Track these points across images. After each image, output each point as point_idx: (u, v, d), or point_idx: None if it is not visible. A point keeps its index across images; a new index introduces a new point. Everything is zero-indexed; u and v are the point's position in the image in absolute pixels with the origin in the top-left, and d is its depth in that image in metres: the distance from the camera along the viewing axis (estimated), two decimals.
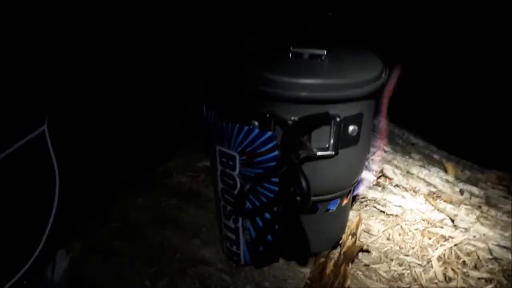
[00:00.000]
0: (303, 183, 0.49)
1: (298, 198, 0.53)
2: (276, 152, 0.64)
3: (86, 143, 1.01)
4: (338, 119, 0.63)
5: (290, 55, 0.69)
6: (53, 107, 0.90)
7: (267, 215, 0.71)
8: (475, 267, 0.84)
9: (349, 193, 0.78)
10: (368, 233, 0.92)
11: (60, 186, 0.83)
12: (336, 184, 0.72)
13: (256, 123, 0.67)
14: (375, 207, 0.99)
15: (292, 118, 0.62)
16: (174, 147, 1.17)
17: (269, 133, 0.63)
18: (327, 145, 0.66)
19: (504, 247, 0.88)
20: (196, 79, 0.85)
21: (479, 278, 0.82)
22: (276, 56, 0.69)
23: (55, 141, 0.88)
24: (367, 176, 1.07)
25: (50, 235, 0.78)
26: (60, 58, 0.92)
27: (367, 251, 0.87)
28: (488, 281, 0.81)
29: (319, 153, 0.65)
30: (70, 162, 0.89)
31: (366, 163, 1.10)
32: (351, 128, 0.65)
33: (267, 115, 0.65)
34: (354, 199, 1.00)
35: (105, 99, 1.09)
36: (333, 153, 0.66)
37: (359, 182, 0.86)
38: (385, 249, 0.88)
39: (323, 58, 0.67)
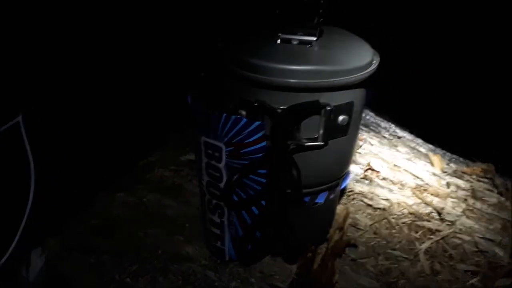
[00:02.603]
0: (295, 174, 0.46)
1: (289, 190, 0.50)
2: (265, 143, 0.61)
3: (66, 138, 0.96)
4: (328, 108, 0.60)
5: (279, 41, 0.66)
6: (31, 101, 0.86)
7: (255, 210, 0.68)
8: (461, 260, 0.83)
9: (337, 186, 0.76)
10: (355, 227, 0.91)
11: (36, 181, 0.79)
12: (325, 176, 0.70)
13: (244, 112, 0.65)
14: (362, 200, 0.98)
15: (282, 106, 0.60)
16: (156, 140, 1.13)
17: (257, 123, 0.60)
18: (316, 136, 0.63)
19: (490, 239, 0.88)
20: (182, 69, 0.82)
21: (465, 271, 0.81)
22: (264, 42, 0.66)
23: (32, 134, 0.83)
24: (354, 169, 1.06)
25: (24, 232, 0.74)
26: (39, 50, 0.88)
27: (355, 245, 0.86)
28: (474, 273, 0.81)
29: (308, 144, 0.63)
30: (49, 156, 0.85)
31: (354, 156, 1.09)
32: (341, 118, 0.63)
33: (255, 104, 0.62)
34: (341, 192, 0.98)
35: (85, 93, 1.04)
36: (322, 143, 0.63)
37: (346, 175, 0.84)
38: (372, 243, 0.87)
39: (312, 44, 0.65)
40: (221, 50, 0.66)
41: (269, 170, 0.58)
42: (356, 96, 0.63)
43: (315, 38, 0.66)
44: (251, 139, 0.62)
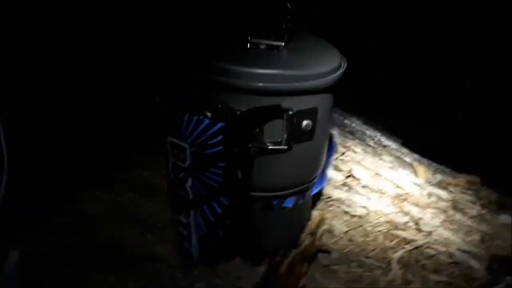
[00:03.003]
0: (239, 176, 0.47)
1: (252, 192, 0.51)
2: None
3: (44, 134, 0.98)
4: (290, 113, 0.60)
5: (248, 45, 0.67)
6: (9, 99, 0.87)
7: (218, 209, 0.68)
8: (435, 271, 0.82)
9: (306, 190, 0.76)
10: (330, 233, 0.90)
11: (8, 176, 0.80)
12: (291, 180, 0.70)
13: (209, 114, 0.65)
14: (339, 207, 0.97)
15: (244, 109, 0.60)
16: (138, 140, 1.14)
17: (219, 125, 0.61)
18: (280, 139, 0.64)
19: (465, 251, 0.87)
20: (154, 70, 0.83)
21: (438, 282, 0.80)
22: (231, 46, 0.66)
23: (7, 130, 0.84)
24: (334, 176, 1.05)
25: None
26: (19, 52, 0.89)
27: (328, 251, 0.85)
28: (447, 284, 0.80)
29: (271, 147, 0.63)
30: (24, 153, 0.86)
31: (334, 162, 1.09)
32: (305, 122, 0.63)
33: (219, 106, 0.63)
34: (318, 198, 0.98)
35: (65, 93, 1.05)
36: (285, 147, 0.63)
37: (321, 181, 0.84)
38: (346, 250, 0.86)
39: (280, 49, 0.65)
40: (188, 53, 0.67)
41: (225, 170, 0.59)
42: (320, 101, 0.63)
43: (283, 43, 0.66)
44: (213, 141, 0.62)
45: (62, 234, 0.83)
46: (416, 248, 0.86)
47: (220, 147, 0.62)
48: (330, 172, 1.02)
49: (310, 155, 0.69)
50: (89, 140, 1.05)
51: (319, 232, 0.86)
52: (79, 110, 1.05)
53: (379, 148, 1.20)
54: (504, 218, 0.96)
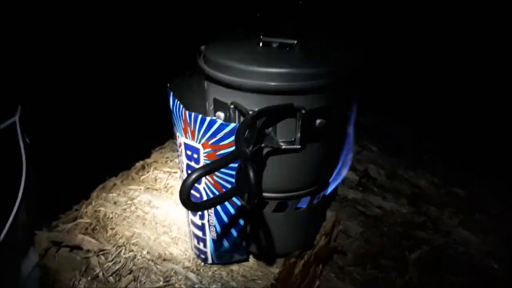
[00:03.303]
0: (251, 177, 0.46)
1: (246, 194, 0.50)
2: None
3: (61, 137, 0.99)
4: (303, 112, 0.60)
5: (260, 44, 0.66)
6: (29, 100, 0.89)
7: (231, 210, 0.68)
8: (452, 272, 0.80)
9: (321, 191, 0.75)
10: (345, 234, 0.89)
11: (26, 180, 0.81)
12: (305, 180, 0.69)
13: (222, 114, 0.65)
14: (355, 207, 0.96)
15: (256, 109, 0.59)
16: (155, 142, 1.15)
17: (232, 125, 0.60)
18: (293, 139, 0.63)
19: (485, 252, 0.84)
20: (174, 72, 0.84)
21: (455, 283, 0.78)
22: (244, 45, 0.66)
23: (26, 133, 0.86)
24: (349, 176, 1.04)
25: (10, 230, 0.76)
26: (36, 53, 0.91)
27: (343, 252, 0.84)
28: (465, 286, 0.78)
29: (284, 146, 0.62)
30: (42, 155, 0.88)
31: (350, 162, 1.07)
32: (318, 121, 0.62)
33: (232, 106, 0.62)
34: (333, 199, 0.97)
35: (83, 94, 1.07)
36: (299, 146, 0.63)
37: (337, 181, 0.83)
38: (362, 251, 0.85)
39: (292, 47, 0.65)
40: (202, 52, 0.67)
41: (238, 170, 0.58)
42: (334, 99, 0.62)
43: (295, 41, 0.65)
44: (226, 141, 0.62)
45: (78, 235, 0.84)
46: (434, 248, 0.85)
47: (233, 148, 0.62)
48: (346, 172, 1.01)
49: (325, 154, 0.68)
50: (106, 141, 1.07)
51: (334, 233, 0.85)
52: (95, 112, 1.06)
53: (395, 146, 1.18)
54: None
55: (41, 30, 0.89)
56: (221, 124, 0.61)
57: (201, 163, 0.66)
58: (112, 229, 0.86)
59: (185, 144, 0.68)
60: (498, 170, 1.07)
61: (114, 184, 0.98)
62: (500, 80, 1.18)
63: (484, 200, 0.99)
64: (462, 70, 1.27)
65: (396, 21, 1.28)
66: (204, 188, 0.68)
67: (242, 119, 0.62)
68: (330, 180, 0.77)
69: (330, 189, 0.79)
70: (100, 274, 0.77)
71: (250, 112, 0.58)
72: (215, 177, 0.65)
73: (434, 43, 1.28)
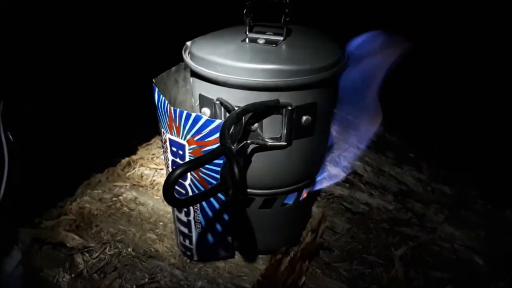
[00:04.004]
0: (236, 173, 0.46)
1: (231, 190, 0.50)
2: None
3: (48, 133, 0.98)
4: (289, 108, 0.59)
5: (246, 41, 0.66)
6: (11, 95, 0.87)
7: (217, 207, 0.68)
8: (437, 268, 0.81)
9: (308, 187, 0.75)
10: (332, 230, 0.89)
11: (8, 177, 0.80)
12: (291, 176, 0.69)
13: (208, 111, 0.64)
14: (342, 204, 0.96)
15: (242, 105, 0.59)
16: (141, 138, 1.14)
17: (217, 121, 0.60)
18: (279, 135, 0.63)
19: (470, 247, 0.85)
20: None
21: (441, 279, 0.79)
22: (230, 42, 0.65)
23: (8, 127, 0.84)
24: (336, 172, 1.04)
25: None
26: (18, 48, 0.89)
27: (330, 249, 0.84)
28: (449, 281, 0.78)
29: (270, 143, 0.62)
30: (27, 152, 0.86)
31: (337, 159, 1.08)
32: (304, 118, 0.62)
33: (217, 102, 0.62)
34: (319, 195, 0.97)
35: (70, 90, 1.05)
36: (285, 143, 0.62)
37: (323, 177, 0.83)
38: (348, 247, 0.85)
39: (278, 44, 0.64)
40: (188, 48, 0.66)
41: (223, 167, 0.58)
42: (319, 96, 0.62)
43: (281, 38, 0.65)
44: (211, 138, 0.61)
45: (62, 232, 0.83)
46: (419, 244, 0.85)
47: (218, 144, 0.61)
48: (332, 169, 1.01)
49: (311, 151, 0.68)
50: (91, 138, 1.05)
51: (321, 229, 0.85)
52: (80, 108, 1.04)
53: (382, 144, 1.19)
54: (509, 213, 0.94)
55: (22, 25, 0.87)
56: (207, 120, 0.60)
57: (187, 160, 0.65)
58: (96, 226, 0.85)
59: (170, 140, 0.67)
60: (483, 167, 1.08)
61: (99, 181, 0.97)
62: (484, 78, 1.19)
63: (469, 196, 1.00)
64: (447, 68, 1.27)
65: (396, 21, 1.28)
66: (189, 185, 0.67)
67: (228, 115, 0.61)
68: (316, 177, 0.77)
69: (317, 186, 0.79)
70: (84, 271, 0.76)
71: (236, 108, 0.58)
72: (200, 174, 0.65)
73: (428, 42, 1.27)
